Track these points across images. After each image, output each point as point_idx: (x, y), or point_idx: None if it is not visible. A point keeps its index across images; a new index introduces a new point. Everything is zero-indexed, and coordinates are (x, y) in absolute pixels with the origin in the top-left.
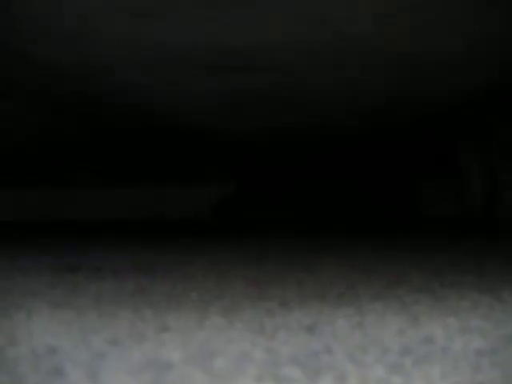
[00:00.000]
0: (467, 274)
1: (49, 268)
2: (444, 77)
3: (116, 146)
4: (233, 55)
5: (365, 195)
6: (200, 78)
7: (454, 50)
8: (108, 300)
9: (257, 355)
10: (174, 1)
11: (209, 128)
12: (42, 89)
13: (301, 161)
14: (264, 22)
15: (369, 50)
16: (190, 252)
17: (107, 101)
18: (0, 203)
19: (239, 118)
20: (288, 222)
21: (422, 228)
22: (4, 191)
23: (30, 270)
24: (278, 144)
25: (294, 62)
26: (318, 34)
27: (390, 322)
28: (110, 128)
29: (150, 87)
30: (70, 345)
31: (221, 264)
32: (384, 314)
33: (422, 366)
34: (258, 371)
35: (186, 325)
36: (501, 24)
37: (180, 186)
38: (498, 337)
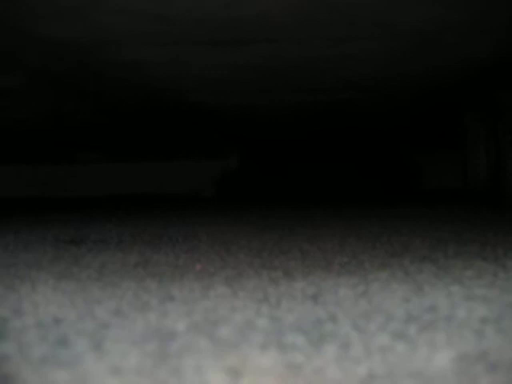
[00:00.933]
0: (471, 244)
1: (52, 241)
2: (450, 47)
3: (118, 122)
4: (234, 27)
5: (367, 168)
6: (201, 52)
7: (461, 19)
8: (111, 271)
9: (261, 323)
10: None
11: (211, 103)
12: (43, 66)
13: (305, 135)
14: None
15: (370, 18)
16: (193, 225)
17: (108, 76)
18: (2, 179)
19: (242, 92)
20: (292, 195)
21: (425, 200)
22: (6, 167)
23: (33, 243)
24: (282, 118)
25: (298, 34)
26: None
27: (394, 290)
28: (112, 104)
29: (151, 62)
30: (75, 315)
31: (224, 236)
32: (388, 282)
33: (427, 334)
34: (262, 339)
35: (190, 294)
36: None
37: (184, 161)
38: (502, 304)
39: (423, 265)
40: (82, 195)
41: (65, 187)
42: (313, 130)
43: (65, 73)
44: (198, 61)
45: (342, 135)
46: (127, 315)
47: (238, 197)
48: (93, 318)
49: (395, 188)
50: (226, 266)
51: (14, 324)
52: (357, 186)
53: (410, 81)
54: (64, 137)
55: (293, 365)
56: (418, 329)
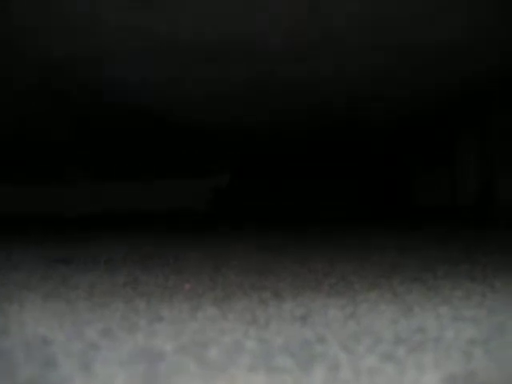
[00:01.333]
0: (460, 264)
1: (42, 261)
2: (444, 66)
3: (108, 141)
4: (229, 44)
5: (358, 185)
6: (194, 68)
7: (454, 38)
8: (100, 291)
9: (249, 345)
10: None
11: (203, 120)
12: (40, 82)
13: (297, 150)
14: (256, 8)
15: (369, 39)
16: (185, 244)
17: (98, 98)
18: None
19: (233, 109)
20: (282, 211)
21: (415, 217)
22: None
23: (22, 263)
24: (274, 134)
25: (293, 49)
26: (316, 20)
27: (382, 311)
28: (107, 126)
29: (146, 81)
30: (63, 336)
31: (214, 256)
32: (377, 303)
33: (415, 355)
34: (250, 361)
35: (178, 315)
36: (501, 13)
37: (175, 179)
38: (490, 325)
39: (412, 285)
40: (72, 213)
41: (54, 206)
42: (306, 144)
43: (62, 92)
44: (191, 77)
45: (333, 151)
46: (116, 336)
47: (229, 213)
48: (81, 339)
49: (385, 204)
50: (215, 286)
51: (2, 344)
52: (347, 203)
53: (403, 101)
54: (53, 155)
55: None
56: (407, 350)
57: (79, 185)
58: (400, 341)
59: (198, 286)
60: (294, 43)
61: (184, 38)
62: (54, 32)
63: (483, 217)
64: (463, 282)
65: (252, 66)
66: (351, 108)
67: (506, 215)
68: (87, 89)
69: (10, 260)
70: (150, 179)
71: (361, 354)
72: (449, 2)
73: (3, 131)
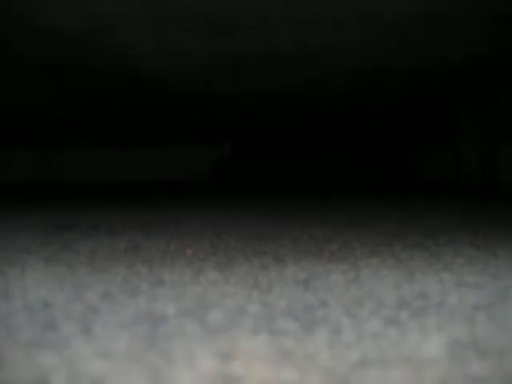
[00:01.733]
0: (462, 233)
1: (44, 226)
2: (445, 40)
3: (114, 110)
4: (229, 15)
5: (360, 156)
6: (197, 40)
7: (454, 13)
8: (102, 257)
9: (252, 309)
10: None
11: (205, 91)
12: (40, 55)
13: (297, 123)
14: None
15: (369, 11)
16: (185, 212)
17: (102, 66)
18: None
19: (235, 80)
20: (285, 183)
21: (417, 189)
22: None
23: (24, 228)
24: (275, 107)
25: (294, 23)
26: None
27: (385, 277)
28: (104, 93)
29: (151, 51)
30: (64, 299)
31: (215, 222)
32: (379, 269)
33: (418, 319)
34: (253, 324)
35: (180, 280)
36: None
37: (176, 148)
38: (493, 291)
39: (414, 252)
40: (75, 180)
41: (58, 173)
42: (306, 118)
43: (63, 63)
44: (194, 49)
45: (337, 124)
46: (117, 299)
47: (229, 184)
48: (82, 302)
49: (389, 177)
50: (216, 252)
51: (2, 307)
52: (349, 175)
53: (409, 72)
54: (60, 123)
55: (284, 350)
56: (410, 315)
57: (77, 152)
58: (403, 305)
59: (199, 250)
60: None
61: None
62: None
63: (485, 190)
64: (465, 250)
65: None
66: (351, 83)
67: (506, 189)
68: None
69: (10, 226)
70: (152, 149)
71: (363, 318)
72: None
73: (15, 105)
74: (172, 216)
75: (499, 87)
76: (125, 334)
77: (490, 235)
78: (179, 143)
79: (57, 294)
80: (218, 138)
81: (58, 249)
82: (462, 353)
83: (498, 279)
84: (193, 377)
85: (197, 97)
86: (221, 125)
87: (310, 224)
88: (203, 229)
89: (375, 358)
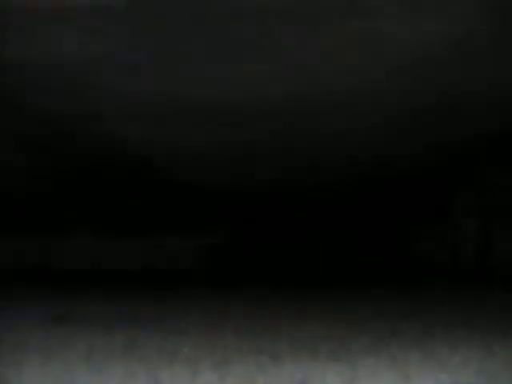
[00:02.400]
0: (458, 327)
1: (40, 319)
2: (444, 127)
3: (106, 197)
4: (232, 109)
5: (357, 244)
6: (199, 132)
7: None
8: (99, 354)
9: None
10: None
11: (206, 181)
12: (33, 139)
13: (295, 211)
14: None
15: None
16: (181, 304)
17: (98, 151)
18: None
19: (236, 170)
20: (280, 273)
21: (413, 278)
22: None
23: (22, 321)
24: (274, 195)
25: (295, 112)
26: (316, 86)
27: (381, 378)
28: (102, 180)
29: (147, 139)
30: None
31: (212, 317)
32: (375, 370)
33: None
34: None
35: (177, 380)
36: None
37: (171, 236)
38: None
39: (410, 351)
40: (65, 269)
41: (48, 260)
42: (304, 206)
43: (52, 144)
44: (195, 139)
45: (329, 210)
46: None
47: (225, 272)
48: None
49: (383, 262)
50: (213, 349)
51: None
52: (343, 259)
53: (403, 160)
54: (45, 209)
55: None
56: None
57: (67, 241)
58: None
59: (195, 348)
60: None
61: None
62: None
63: (480, 279)
64: (461, 347)
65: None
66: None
67: (504, 276)
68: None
69: (8, 318)
70: (146, 236)
71: None
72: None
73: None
74: (168, 309)
75: (496, 173)
76: None
77: (487, 330)
78: (175, 231)
79: None
80: (213, 224)
81: (54, 344)
82: None
83: (494, 379)
84: None
85: (196, 186)
86: (217, 212)
87: (306, 318)
88: (199, 323)
89: None
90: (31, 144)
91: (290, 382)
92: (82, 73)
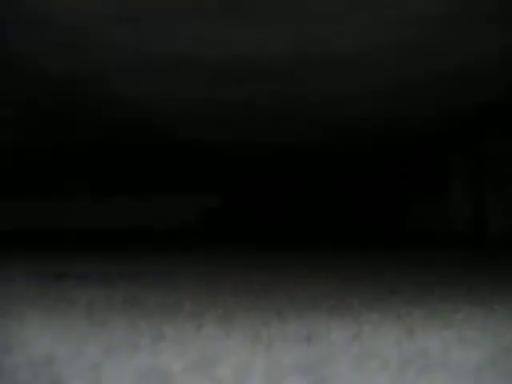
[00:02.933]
0: (457, 287)
1: (40, 274)
2: (437, 98)
3: (102, 157)
4: (232, 68)
5: (353, 210)
6: (194, 89)
7: (447, 70)
8: (100, 309)
9: (258, 365)
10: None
11: (200, 140)
12: (30, 100)
13: (291, 174)
14: (264, 32)
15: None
16: (179, 262)
17: (99, 113)
18: None
19: (232, 130)
20: (277, 235)
21: (409, 242)
22: None
23: (21, 276)
24: (269, 158)
25: (294, 73)
26: (318, 47)
27: (386, 333)
28: (98, 140)
29: (144, 99)
30: (66, 354)
31: (212, 273)
32: (380, 325)
33: (424, 377)
34: (262, 381)
35: (182, 334)
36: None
37: (169, 196)
38: (495, 348)
39: (413, 308)
40: (66, 228)
41: (49, 221)
42: (301, 170)
43: (58, 107)
44: (190, 97)
45: (330, 175)
46: (120, 355)
47: (222, 233)
48: (85, 358)
49: (380, 229)
50: (214, 305)
51: (6, 362)
52: (341, 224)
53: (401, 128)
54: (51, 169)
55: None
56: (416, 373)
57: (68, 201)
58: (407, 363)
59: (197, 304)
60: None
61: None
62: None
63: (476, 241)
64: (463, 305)
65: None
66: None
67: (497, 241)
68: (88, 104)
69: (8, 273)
70: (144, 195)
71: (371, 375)
72: (461, 34)
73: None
74: (166, 266)
75: (488, 137)
76: None
77: (485, 290)
78: (172, 191)
79: (58, 348)
80: (211, 186)
81: (54, 299)
82: None
83: (498, 335)
84: None
85: (192, 145)
86: (215, 174)
87: (305, 277)
88: (199, 279)
89: None
90: (28, 105)
91: (296, 337)
92: (82, 30)
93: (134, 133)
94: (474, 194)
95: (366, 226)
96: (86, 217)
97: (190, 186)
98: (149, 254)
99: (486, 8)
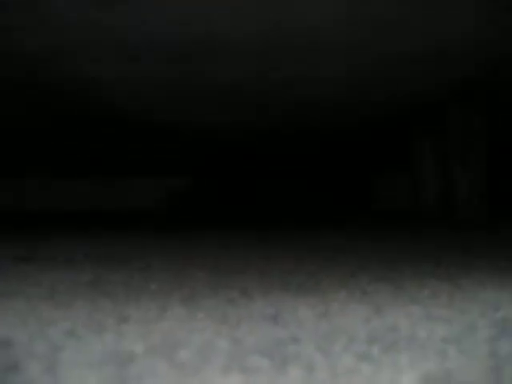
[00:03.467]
0: (424, 264)
1: (0, 257)
2: (404, 77)
3: (68, 137)
4: (194, 43)
5: (320, 190)
6: (161, 69)
7: (419, 50)
8: (63, 290)
9: (221, 345)
10: None
11: (168, 121)
12: None
13: (261, 156)
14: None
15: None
16: (145, 243)
17: (63, 88)
18: None
19: (201, 110)
20: (246, 216)
21: (376, 220)
22: None
23: None
24: (239, 139)
25: (266, 51)
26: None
27: (353, 310)
28: (60, 117)
29: (109, 79)
30: (26, 337)
31: (178, 254)
32: (347, 303)
33: (390, 354)
34: (224, 362)
35: (146, 315)
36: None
37: (137, 177)
38: (460, 324)
39: (380, 285)
40: (31, 209)
41: (12, 201)
42: (270, 152)
43: (16, 84)
44: (158, 77)
45: (297, 154)
46: (82, 337)
47: (191, 214)
48: (45, 340)
49: (346, 207)
50: (181, 285)
51: None
52: (308, 204)
53: (365, 106)
54: (12, 151)
55: None
56: (381, 350)
57: (34, 181)
58: (374, 340)
59: (163, 284)
60: None
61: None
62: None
63: (443, 218)
64: (430, 282)
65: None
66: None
67: (465, 216)
68: (50, 83)
69: None
70: (108, 177)
71: (336, 354)
72: (436, 10)
73: None
74: (132, 247)
75: (452, 112)
76: (93, 374)
77: (452, 266)
78: (137, 172)
79: (18, 331)
80: (179, 167)
81: (16, 282)
82: None
83: (464, 312)
84: None
85: (160, 125)
86: (183, 154)
87: (273, 255)
88: (165, 260)
89: None
90: None
91: (262, 315)
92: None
93: (100, 111)
94: (442, 170)
95: (336, 207)
96: (47, 199)
97: (156, 169)
98: (113, 236)
99: None
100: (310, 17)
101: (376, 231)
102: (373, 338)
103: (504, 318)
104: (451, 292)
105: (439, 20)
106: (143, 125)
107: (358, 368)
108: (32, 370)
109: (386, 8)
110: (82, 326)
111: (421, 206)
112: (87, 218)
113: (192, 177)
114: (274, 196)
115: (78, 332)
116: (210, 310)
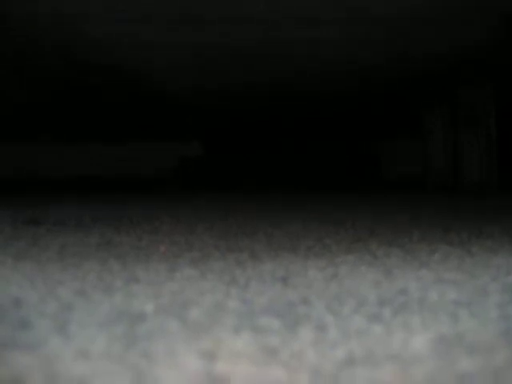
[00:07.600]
0: (434, 229)
1: (11, 221)
2: (411, 41)
3: (77, 103)
4: (200, 5)
5: (327, 156)
6: (166, 33)
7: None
8: (72, 253)
9: (232, 306)
10: None
11: (176, 85)
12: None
13: (269, 122)
14: None
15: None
16: (154, 207)
17: (65, 53)
18: None
19: (207, 75)
20: (255, 182)
21: (385, 188)
22: None
23: None
24: (247, 105)
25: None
26: None
27: (363, 273)
28: (70, 83)
29: (115, 43)
30: (36, 297)
31: (187, 218)
32: (357, 266)
33: (401, 316)
34: (235, 322)
35: (156, 276)
36: None
37: (146, 143)
38: (471, 288)
39: (390, 249)
40: (40, 175)
41: (23, 167)
42: (277, 117)
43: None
44: (163, 41)
45: (304, 123)
46: (92, 297)
47: (200, 182)
48: (55, 300)
49: (355, 176)
50: (190, 248)
51: None
52: (317, 174)
53: (373, 70)
54: (22, 117)
55: (269, 348)
56: (392, 312)
57: (41, 147)
58: (384, 302)
59: (172, 246)
60: None
61: None
62: None
63: (452, 186)
64: (440, 247)
65: None
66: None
67: (476, 184)
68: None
69: None
70: (115, 143)
71: (346, 315)
72: None
73: None
74: (142, 211)
75: (463, 86)
76: (103, 333)
77: (463, 232)
78: (149, 138)
79: (28, 291)
80: (188, 134)
81: (26, 244)
82: (448, 350)
83: (474, 276)
84: (177, 376)
85: (167, 92)
86: (191, 121)
87: (282, 220)
88: (175, 224)
89: (362, 355)
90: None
91: (272, 277)
92: None
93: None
94: (450, 142)
95: (346, 174)
96: (59, 164)
97: (168, 133)
98: (123, 200)
99: None
100: None
101: (384, 198)
102: (383, 300)
103: None
104: (462, 257)
105: None
106: (156, 93)
107: (369, 329)
108: (43, 328)
109: None
110: (92, 286)
111: (432, 175)
112: (97, 183)
113: (204, 145)
114: (282, 165)
115: (87, 292)
116: (219, 271)
